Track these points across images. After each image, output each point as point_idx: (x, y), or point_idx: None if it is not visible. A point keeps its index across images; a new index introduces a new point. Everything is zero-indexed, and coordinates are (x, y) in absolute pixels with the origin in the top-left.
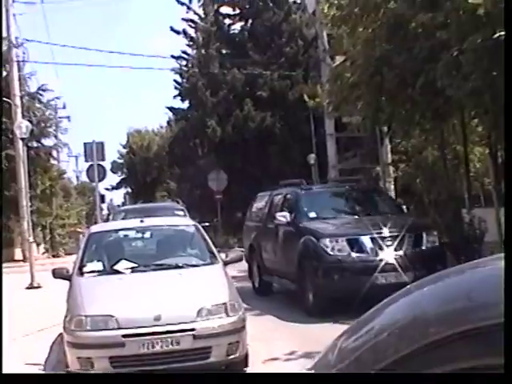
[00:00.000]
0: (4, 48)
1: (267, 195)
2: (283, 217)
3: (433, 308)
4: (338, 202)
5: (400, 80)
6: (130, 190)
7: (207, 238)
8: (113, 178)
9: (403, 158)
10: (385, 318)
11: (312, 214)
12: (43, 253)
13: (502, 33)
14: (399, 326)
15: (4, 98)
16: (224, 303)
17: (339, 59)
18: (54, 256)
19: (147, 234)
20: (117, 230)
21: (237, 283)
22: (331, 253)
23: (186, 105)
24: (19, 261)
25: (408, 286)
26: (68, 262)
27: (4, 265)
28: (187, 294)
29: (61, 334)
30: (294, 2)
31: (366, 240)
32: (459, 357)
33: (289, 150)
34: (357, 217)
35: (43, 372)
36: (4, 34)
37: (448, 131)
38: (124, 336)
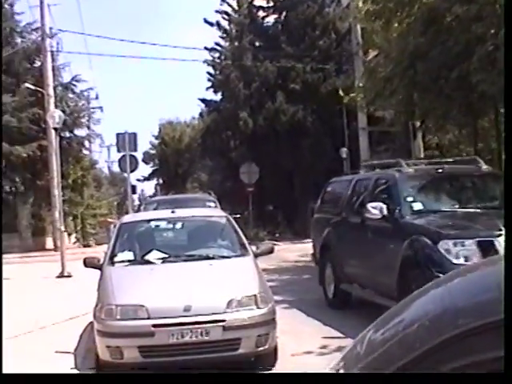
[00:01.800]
0: (38, 38)
1: (347, 180)
2: (377, 209)
3: (463, 299)
4: (450, 189)
5: (434, 74)
6: (161, 181)
7: (238, 229)
8: (144, 169)
9: (436, 154)
10: (414, 310)
11: (417, 206)
12: (74, 242)
13: None
14: (429, 318)
15: (38, 88)
16: (254, 295)
17: (372, 53)
18: (84, 246)
19: (178, 225)
20: (148, 221)
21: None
22: (455, 261)
23: (218, 97)
24: (50, 250)
25: (438, 279)
26: (99, 252)
27: (35, 253)
28: (217, 285)
29: (91, 323)
30: None
31: (501, 242)
32: (488, 347)
33: (321, 144)
34: (479, 210)
35: (43, 372)
36: (38, 25)
37: (483, 127)
38: (154, 326)
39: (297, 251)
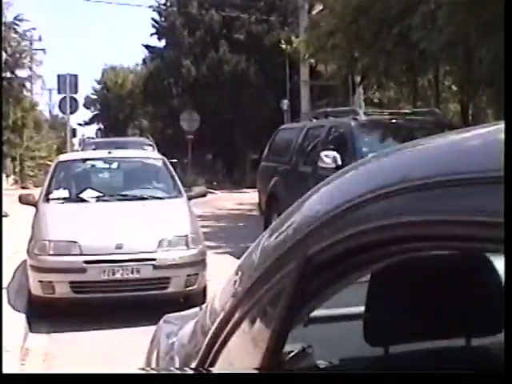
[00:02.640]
0: None
1: (298, 128)
2: (330, 158)
3: (355, 189)
4: (407, 140)
5: (376, 30)
6: (102, 126)
7: (173, 172)
8: (86, 114)
9: (377, 111)
10: (304, 210)
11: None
12: (12, 184)
13: None
14: (320, 215)
15: None
16: (185, 235)
17: (318, 8)
18: (22, 188)
19: (114, 165)
20: (84, 160)
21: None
22: None
23: (162, 43)
24: None
25: (332, 175)
26: (36, 194)
27: None
28: (149, 225)
29: (25, 260)
30: None
31: None
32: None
33: (262, 95)
34: None
35: (43, 372)
36: None
37: (422, 86)
38: (85, 262)
39: (234, 200)
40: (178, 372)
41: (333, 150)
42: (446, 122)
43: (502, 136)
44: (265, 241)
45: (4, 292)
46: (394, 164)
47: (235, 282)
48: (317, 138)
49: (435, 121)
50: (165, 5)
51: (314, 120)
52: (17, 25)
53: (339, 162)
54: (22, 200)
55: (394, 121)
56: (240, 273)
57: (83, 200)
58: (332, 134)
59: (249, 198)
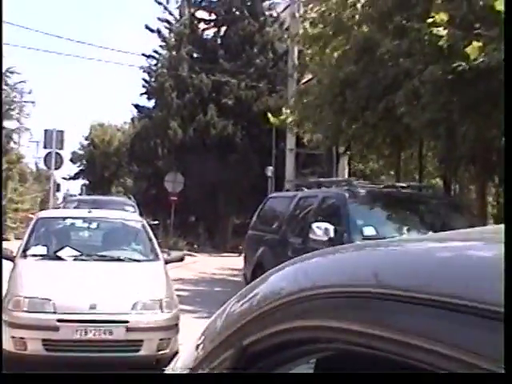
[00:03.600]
0: None
1: (289, 197)
2: (322, 230)
3: (315, 276)
4: (403, 213)
5: (362, 103)
6: (87, 181)
7: (152, 235)
8: (71, 169)
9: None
10: (269, 285)
11: (368, 231)
12: None
13: (462, 63)
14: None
15: None
16: (160, 299)
17: (306, 77)
18: (3, 239)
19: (94, 225)
20: (64, 218)
21: None
22: None
23: (151, 104)
24: None
25: (296, 258)
26: (17, 247)
27: None
28: (125, 287)
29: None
30: (271, 16)
31: None
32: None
33: (248, 160)
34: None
35: (43, 372)
36: None
37: (405, 159)
38: (59, 320)
39: (214, 264)
40: (179, 372)
41: (325, 221)
42: (444, 197)
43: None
44: (232, 306)
45: None
46: (346, 263)
47: (198, 345)
48: (308, 208)
49: (433, 195)
50: (156, 65)
51: (306, 189)
52: (8, 77)
53: (331, 235)
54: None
55: (388, 192)
56: (203, 337)
57: (60, 258)
58: (325, 205)
59: (229, 263)
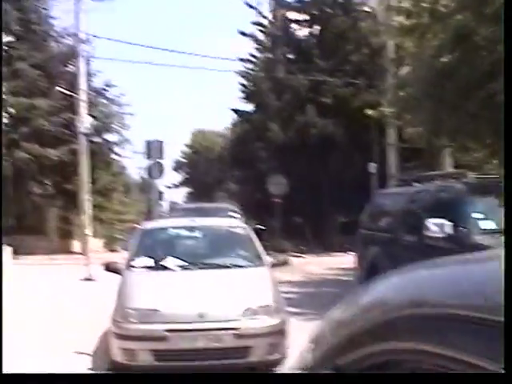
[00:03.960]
0: (72, 43)
1: (400, 193)
2: (438, 226)
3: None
4: None
5: (461, 93)
6: (191, 189)
7: (256, 240)
8: (175, 177)
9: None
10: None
11: (487, 224)
12: (101, 246)
13: None
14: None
15: (70, 93)
16: (267, 305)
17: (405, 70)
18: (111, 250)
19: (198, 233)
20: (168, 228)
21: None
22: None
23: (250, 107)
24: (76, 253)
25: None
26: (124, 257)
27: (62, 256)
28: (232, 294)
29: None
30: (363, 10)
31: None
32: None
33: (349, 158)
34: None
35: (43, 372)
36: (73, 30)
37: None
38: (168, 330)
39: (322, 264)
40: (180, 372)
41: (441, 217)
42: None
43: None
44: (337, 316)
45: (88, 357)
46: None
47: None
48: (421, 204)
49: None
50: (252, 70)
51: (416, 184)
52: (106, 90)
53: (448, 231)
54: (108, 268)
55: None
56: (312, 345)
57: (167, 268)
58: (439, 200)
59: (337, 263)
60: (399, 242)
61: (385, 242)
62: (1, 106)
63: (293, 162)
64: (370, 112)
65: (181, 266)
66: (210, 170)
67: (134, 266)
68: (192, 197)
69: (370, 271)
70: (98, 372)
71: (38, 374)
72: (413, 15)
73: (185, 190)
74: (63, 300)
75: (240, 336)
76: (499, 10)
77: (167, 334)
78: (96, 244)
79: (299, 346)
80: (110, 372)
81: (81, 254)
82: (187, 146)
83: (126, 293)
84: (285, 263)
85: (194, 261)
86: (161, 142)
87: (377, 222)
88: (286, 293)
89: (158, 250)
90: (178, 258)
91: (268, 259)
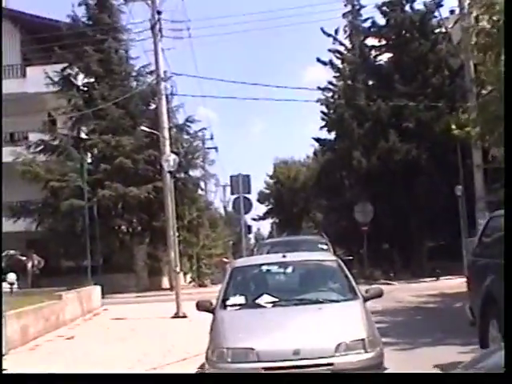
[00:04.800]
0: (153, 82)
1: None
2: None
3: None
4: None
5: None
6: (276, 220)
7: (348, 273)
8: (260, 208)
9: None
10: None
11: None
12: (189, 282)
13: None
14: None
15: (153, 131)
16: (362, 339)
17: (485, 90)
18: (200, 285)
19: (289, 269)
20: (259, 265)
21: None
22: None
23: (332, 136)
24: (166, 289)
25: None
26: (214, 292)
27: (151, 293)
28: (326, 329)
29: (203, 365)
30: (440, 32)
31: None
32: None
33: (435, 182)
34: None
35: (43, 372)
36: (152, 67)
37: None
38: (264, 369)
39: (412, 291)
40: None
41: None
42: None
43: None
44: None
45: None
46: None
47: None
48: None
49: None
50: (332, 97)
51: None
52: (188, 126)
53: None
54: (200, 307)
55: None
56: None
57: (259, 306)
58: None
59: (427, 289)
60: None
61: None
62: (1, 111)
63: (378, 188)
64: (455, 132)
65: (273, 303)
66: (295, 200)
67: (226, 305)
68: (278, 227)
69: (485, 304)
70: (98, 372)
71: (38, 374)
72: (491, 33)
73: (270, 221)
74: (156, 337)
75: (336, 372)
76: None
77: (264, 372)
78: (184, 279)
79: None
80: (109, 372)
81: (170, 290)
82: (270, 176)
83: (219, 332)
84: (379, 296)
85: (287, 297)
86: (248, 176)
87: (492, 248)
88: (377, 322)
89: (249, 287)
90: (270, 294)
91: (361, 291)
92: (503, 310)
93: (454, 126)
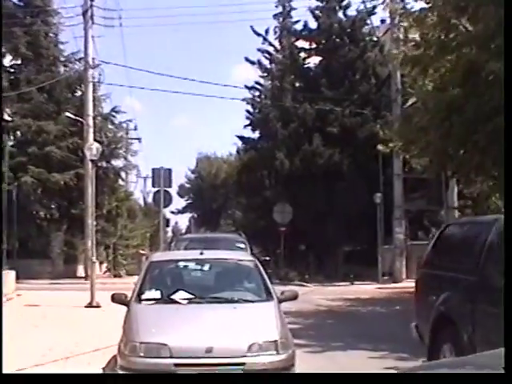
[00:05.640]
0: (81, 68)
1: (483, 222)
2: None
3: None
4: None
5: (470, 127)
6: (195, 215)
7: (265, 274)
8: (179, 202)
9: (469, 204)
10: None
11: None
12: (105, 272)
13: None
14: None
15: (78, 118)
16: (275, 340)
17: (411, 100)
18: (115, 276)
19: (206, 267)
20: (176, 261)
21: None
22: None
23: (256, 135)
24: (81, 278)
25: None
26: (129, 283)
27: (66, 281)
28: (239, 329)
29: (114, 357)
30: (370, 40)
31: None
32: None
33: (355, 188)
34: None
35: (43, 372)
36: (81, 55)
37: None
38: (175, 365)
39: (326, 294)
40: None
41: None
42: None
43: None
44: None
45: None
46: None
47: None
48: None
49: None
50: (259, 97)
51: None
52: (113, 116)
53: None
54: (115, 299)
55: None
56: None
57: (175, 301)
58: None
59: (341, 293)
60: (487, 287)
61: (463, 285)
62: (1, 106)
63: (298, 191)
64: (379, 147)
65: (189, 300)
66: (214, 197)
67: (141, 299)
68: (196, 222)
69: (438, 323)
70: (98, 372)
71: (38, 374)
72: (420, 46)
73: (189, 216)
74: (69, 327)
75: (247, 371)
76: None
77: (175, 368)
78: (100, 269)
79: None
80: (109, 372)
81: (85, 278)
82: (192, 171)
83: (133, 326)
84: (294, 298)
85: (203, 295)
86: (169, 169)
87: (448, 259)
88: (290, 323)
89: (165, 282)
90: (185, 291)
91: (276, 293)
92: (463, 332)
93: (379, 146)
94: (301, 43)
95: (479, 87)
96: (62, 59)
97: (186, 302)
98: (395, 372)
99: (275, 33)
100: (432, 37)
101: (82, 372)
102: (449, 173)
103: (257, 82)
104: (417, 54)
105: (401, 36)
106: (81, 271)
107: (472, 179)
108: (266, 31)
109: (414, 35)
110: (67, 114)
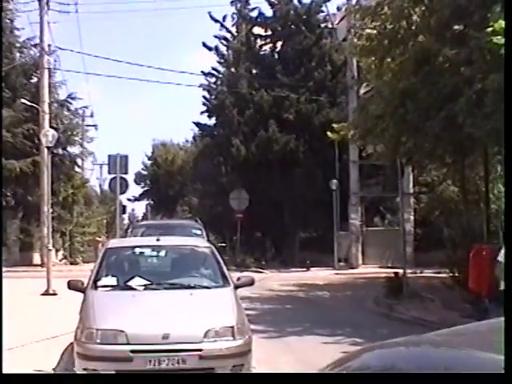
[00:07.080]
0: (36, 54)
1: None
2: None
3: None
4: None
5: (423, 114)
6: (151, 201)
7: (221, 260)
8: (136, 189)
9: (424, 190)
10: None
11: None
12: (61, 259)
13: None
14: None
15: (33, 104)
16: (231, 326)
17: (365, 88)
18: (71, 263)
19: (162, 253)
20: (133, 247)
21: None
22: None
23: (212, 121)
24: (37, 265)
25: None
26: (85, 270)
27: (22, 268)
28: (196, 315)
29: (71, 344)
30: (326, 27)
31: None
32: None
33: (311, 174)
34: None
35: (43, 372)
36: (37, 41)
37: (470, 166)
38: (132, 351)
39: (282, 280)
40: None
41: None
42: None
43: None
44: None
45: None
46: None
47: None
48: None
49: None
50: (215, 83)
51: None
52: (69, 103)
53: None
54: (71, 286)
55: None
56: None
57: (131, 288)
58: None
59: (298, 279)
60: None
61: None
62: (1, 102)
63: (255, 177)
64: (331, 135)
65: (145, 286)
66: (171, 183)
67: (98, 286)
68: (153, 209)
69: None
70: (98, 372)
71: (38, 374)
72: (374, 39)
73: (145, 203)
74: (25, 314)
75: (204, 357)
76: (460, 34)
77: (132, 354)
78: (56, 256)
79: (261, 363)
80: (109, 372)
81: (41, 266)
82: (148, 158)
83: (89, 313)
84: (250, 284)
85: (159, 281)
86: (126, 156)
87: None
88: (247, 309)
89: (122, 269)
90: (142, 277)
91: (233, 279)
92: None
93: (331, 134)
94: (257, 30)
95: (433, 75)
96: (18, 45)
97: (142, 288)
98: (396, 372)
99: (233, 19)
100: (385, 29)
101: (82, 372)
102: (403, 160)
103: (214, 68)
104: (372, 45)
105: (354, 26)
106: (37, 259)
107: (425, 166)
108: (224, 18)
109: (371, 30)
110: (22, 100)
